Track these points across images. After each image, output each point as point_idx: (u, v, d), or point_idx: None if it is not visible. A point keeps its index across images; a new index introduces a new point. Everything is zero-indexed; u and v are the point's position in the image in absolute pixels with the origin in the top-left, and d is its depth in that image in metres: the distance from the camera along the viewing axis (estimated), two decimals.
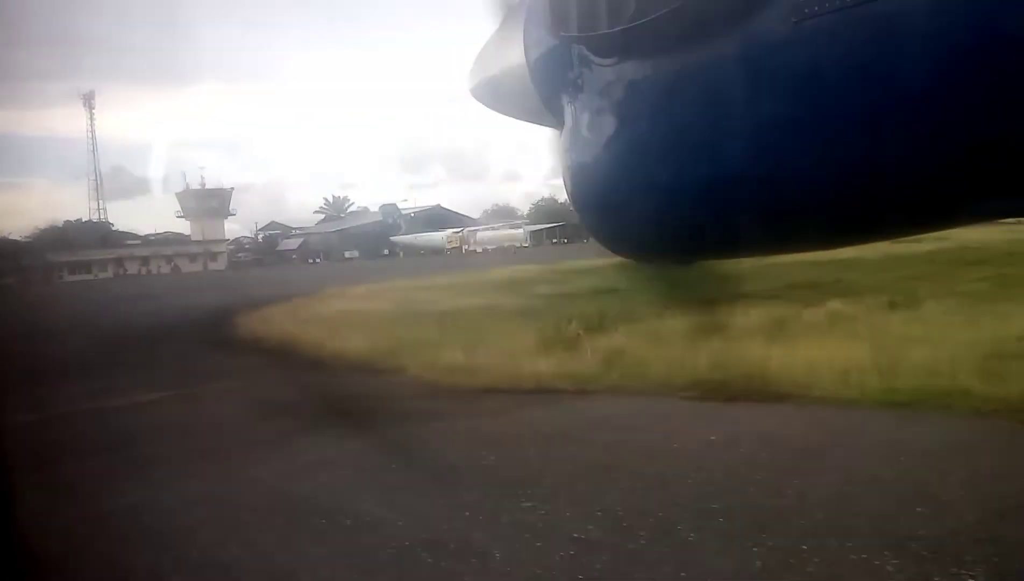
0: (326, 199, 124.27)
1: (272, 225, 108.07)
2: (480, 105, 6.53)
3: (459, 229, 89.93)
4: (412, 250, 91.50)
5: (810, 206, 4.72)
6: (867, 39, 3.96)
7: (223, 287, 43.17)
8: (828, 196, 4.62)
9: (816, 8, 4.14)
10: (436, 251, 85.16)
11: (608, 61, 5.23)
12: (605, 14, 4.94)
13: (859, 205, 4.60)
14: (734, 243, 5.59)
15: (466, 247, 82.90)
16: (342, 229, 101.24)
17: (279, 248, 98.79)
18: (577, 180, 5.75)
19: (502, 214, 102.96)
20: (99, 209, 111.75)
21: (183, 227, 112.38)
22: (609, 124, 5.40)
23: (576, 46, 5.35)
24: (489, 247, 77.49)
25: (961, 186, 4.08)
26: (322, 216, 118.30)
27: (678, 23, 4.60)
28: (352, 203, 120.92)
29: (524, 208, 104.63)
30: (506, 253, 67.63)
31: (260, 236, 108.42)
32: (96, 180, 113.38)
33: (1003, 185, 4.00)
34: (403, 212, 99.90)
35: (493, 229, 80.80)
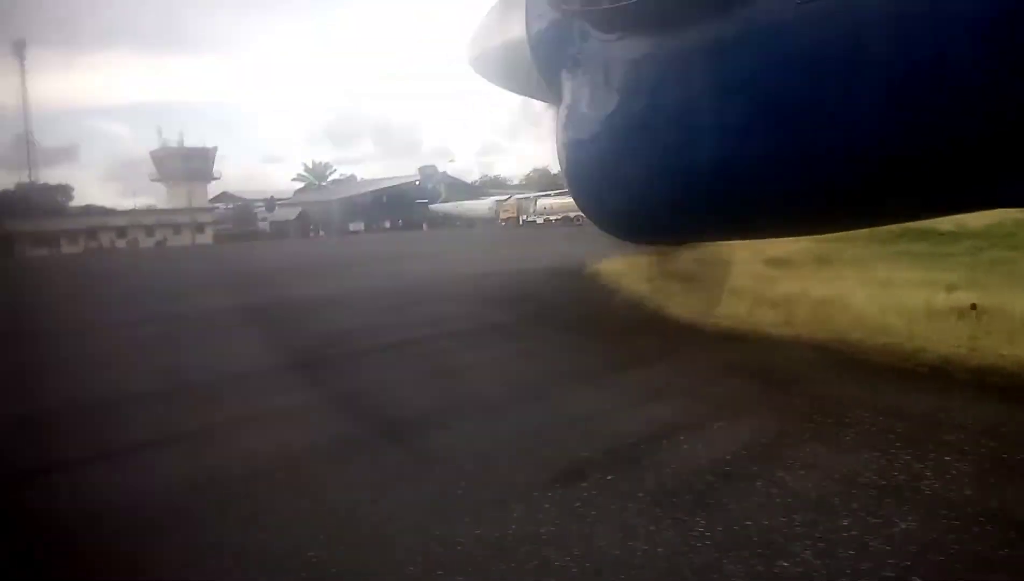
0: (305, 165, 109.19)
1: (223, 196, 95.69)
2: (479, 76, 6.47)
3: (506, 195, 78.41)
4: (447, 221, 79.91)
5: (812, 186, 4.71)
6: (870, 22, 3.93)
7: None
8: (831, 176, 4.60)
9: None
10: (472, 223, 74.33)
11: (610, 37, 5.24)
12: None
13: (864, 186, 4.60)
14: (733, 225, 5.58)
15: (524, 217, 72.33)
16: (360, 194, 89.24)
17: (271, 219, 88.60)
18: (573, 157, 5.75)
19: (495, 184, 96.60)
20: (30, 177, 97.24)
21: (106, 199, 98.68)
22: (608, 101, 5.42)
23: (578, 20, 5.29)
24: (552, 217, 66.76)
25: (975, 168, 4.07)
26: (301, 184, 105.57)
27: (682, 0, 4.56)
28: (334, 169, 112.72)
29: (516, 178, 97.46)
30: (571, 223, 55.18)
31: (225, 207, 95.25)
32: (27, 142, 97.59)
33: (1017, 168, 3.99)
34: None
35: (554, 196, 68.70)
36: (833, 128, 4.38)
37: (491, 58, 6.41)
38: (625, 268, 14.31)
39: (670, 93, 5.02)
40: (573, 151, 5.73)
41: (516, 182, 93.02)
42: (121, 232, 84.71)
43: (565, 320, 10.67)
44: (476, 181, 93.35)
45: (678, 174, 5.07)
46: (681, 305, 9.88)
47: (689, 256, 7.50)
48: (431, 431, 5.28)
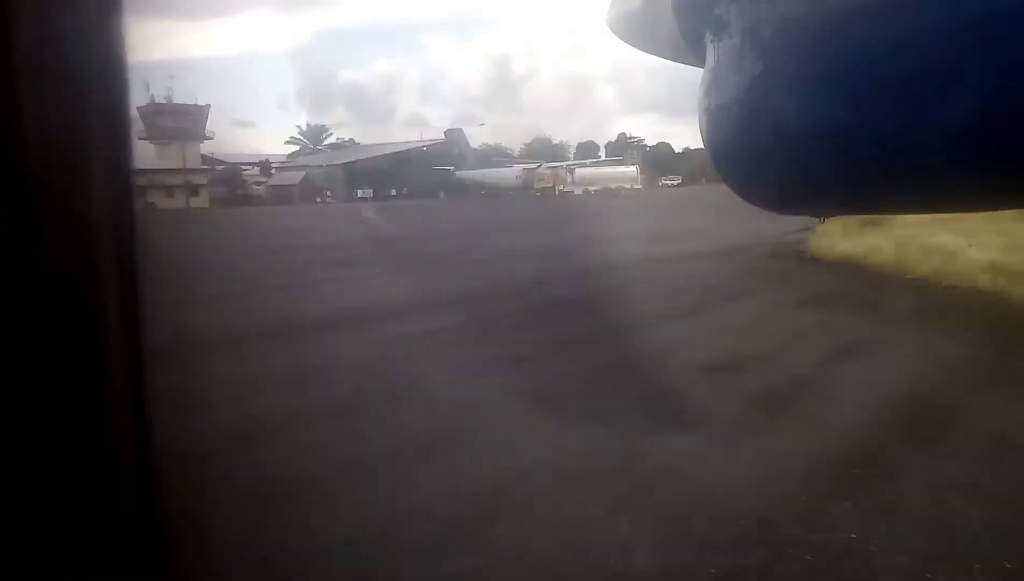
0: (299, 128, 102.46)
1: (206, 159, 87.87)
2: (616, 38, 6.43)
3: (536, 163, 75.94)
4: (467, 190, 77.87)
5: (976, 155, 4.53)
6: None
7: None
8: (1001, 142, 4.41)
9: None
10: (495, 192, 72.40)
11: None
12: None
13: (1004, 164, 4.40)
14: (895, 196, 5.42)
15: (561, 187, 69.00)
16: (370, 158, 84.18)
17: (271, 183, 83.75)
18: (715, 123, 5.69)
19: (497, 153, 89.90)
20: None
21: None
22: (755, 65, 5.31)
23: None
24: (591, 188, 63.31)
25: None
26: (296, 148, 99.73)
27: None
28: (331, 133, 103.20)
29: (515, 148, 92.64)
30: (615, 195, 53.57)
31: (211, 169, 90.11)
32: None
33: None
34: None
35: (592, 165, 66.21)
36: (1008, 94, 4.21)
37: (630, 20, 6.35)
38: (875, 251, 11.40)
39: (828, 56, 4.90)
40: (717, 117, 5.68)
41: (516, 152, 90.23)
42: None
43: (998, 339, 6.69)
44: (477, 149, 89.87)
45: (831, 141, 4.98)
46: None
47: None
48: None
